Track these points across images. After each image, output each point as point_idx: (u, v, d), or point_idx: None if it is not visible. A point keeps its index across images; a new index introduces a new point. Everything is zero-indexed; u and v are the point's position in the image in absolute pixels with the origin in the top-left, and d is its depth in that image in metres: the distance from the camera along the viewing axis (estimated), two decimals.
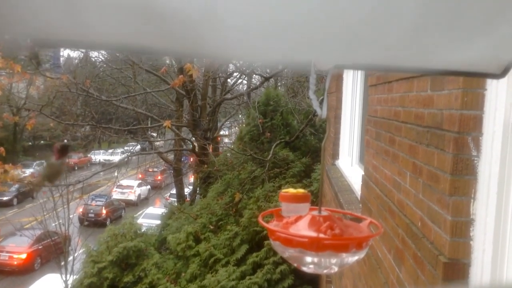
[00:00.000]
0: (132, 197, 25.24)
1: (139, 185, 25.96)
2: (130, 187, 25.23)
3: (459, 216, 1.74)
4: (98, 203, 21.60)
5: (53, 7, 0.52)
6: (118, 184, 21.59)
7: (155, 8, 0.50)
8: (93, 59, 22.18)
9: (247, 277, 7.43)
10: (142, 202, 25.45)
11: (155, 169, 28.87)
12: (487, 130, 1.69)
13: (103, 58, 20.38)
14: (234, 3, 0.51)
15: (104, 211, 21.57)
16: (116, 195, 24.26)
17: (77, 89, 12.39)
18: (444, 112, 1.86)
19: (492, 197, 1.66)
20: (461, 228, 1.73)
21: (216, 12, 0.52)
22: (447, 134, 1.82)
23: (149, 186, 26.85)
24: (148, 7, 0.50)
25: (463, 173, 1.74)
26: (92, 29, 0.55)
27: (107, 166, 18.94)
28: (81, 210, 19.28)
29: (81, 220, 20.10)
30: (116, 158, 23.27)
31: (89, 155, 35.08)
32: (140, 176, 26.14)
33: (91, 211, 21.19)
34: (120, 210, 23.02)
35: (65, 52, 28.48)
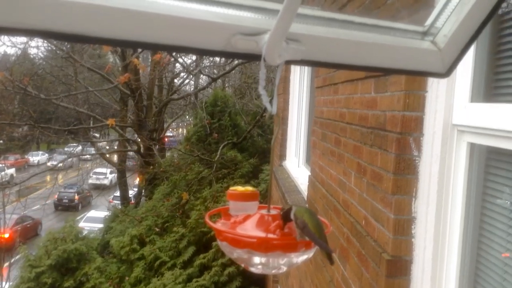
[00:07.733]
0: (106, 181, 28.45)
1: (111, 172, 28.69)
2: (103, 174, 28.56)
3: (401, 214, 1.79)
4: (70, 190, 25.37)
5: None
6: (94, 171, 24.94)
7: None
8: (32, 56, 21.17)
9: (194, 280, 7.32)
10: (113, 186, 27.51)
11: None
12: (428, 131, 1.75)
13: (42, 55, 19.48)
14: None
15: (76, 197, 25.64)
16: (92, 180, 27.46)
17: (13, 86, 11.72)
18: (387, 114, 1.91)
19: (432, 195, 1.71)
20: (403, 226, 1.78)
21: None
22: (390, 134, 1.86)
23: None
24: None
25: (405, 173, 1.79)
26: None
27: None
28: (56, 196, 23.60)
29: (56, 206, 24.98)
30: None
31: (26, 157, 33.65)
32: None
33: (65, 197, 25.39)
34: (89, 198, 25.84)
35: (1, 48, 27.22)
